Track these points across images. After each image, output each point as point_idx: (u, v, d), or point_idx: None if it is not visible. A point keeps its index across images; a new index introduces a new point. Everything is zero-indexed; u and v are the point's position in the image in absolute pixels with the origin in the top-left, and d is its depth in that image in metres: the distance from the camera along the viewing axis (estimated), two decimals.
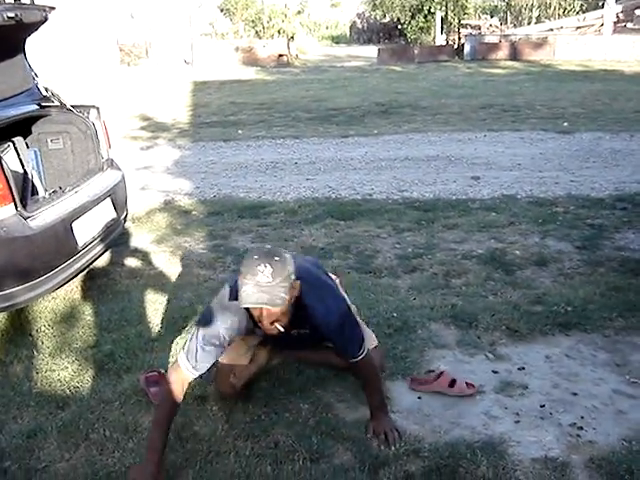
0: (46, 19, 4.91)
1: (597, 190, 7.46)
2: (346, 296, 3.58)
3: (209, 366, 3.15)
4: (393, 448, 3.13)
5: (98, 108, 5.37)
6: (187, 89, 18.38)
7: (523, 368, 3.83)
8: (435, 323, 4.37)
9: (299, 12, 31.62)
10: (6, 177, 4.03)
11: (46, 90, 5.28)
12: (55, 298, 4.91)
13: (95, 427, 3.43)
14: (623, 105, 13.62)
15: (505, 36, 27.14)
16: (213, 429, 3.34)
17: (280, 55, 26.32)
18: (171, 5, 27.19)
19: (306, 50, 30.54)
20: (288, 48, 26.95)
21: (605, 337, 4.15)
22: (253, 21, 30.72)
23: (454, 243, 5.87)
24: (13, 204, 4.06)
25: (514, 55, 24.49)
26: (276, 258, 2.85)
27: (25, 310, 4.75)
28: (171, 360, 3.95)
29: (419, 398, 3.58)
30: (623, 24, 28.57)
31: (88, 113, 5.29)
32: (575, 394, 3.57)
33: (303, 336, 3.32)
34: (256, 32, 30.72)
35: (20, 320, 4.69)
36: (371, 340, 3.60)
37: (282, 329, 3.03)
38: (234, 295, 2.97)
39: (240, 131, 11.79)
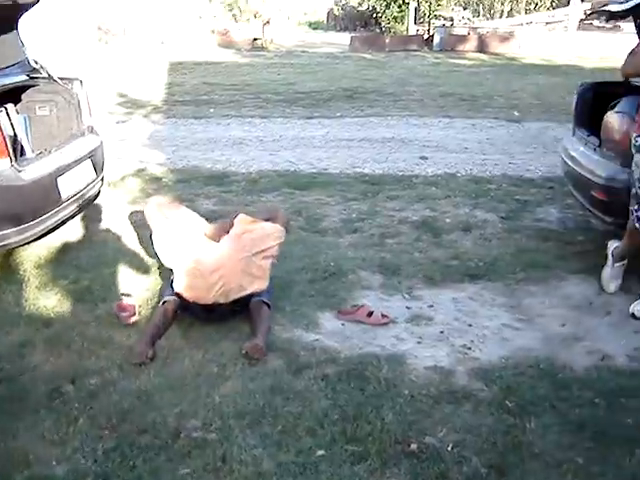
0: (38, 1, 5.60)
1: (531, 172, 8.27)
2: None
3: None
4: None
5: (81, 80, 6.07)
6: (162, 68, 18.96)
7: (432, 306, 4.66)
8: (364, 271, 5.18)
9: None
10: (3, 134, 4.75)
11: (35, 63, 5.97)
12: (39, 245, 5.60)
13: (75, 340, 4.18)
14: None
15: (474, 28, 27.90)
16: (172, 342, 4.12)
17: (255, 39, 26.88)
18: None
19: (281, 35, 31.08)
20: (263, 32, 27.50)
21: (506, 286, 4.97)
22: (230, 4, 31.17)
23: (393, 211, 6.66)
24: (9, 158, 4.77)
25: (481, 47, 25.22)
26: None
27: (12, 254, 5.46)
28: (141, 293, 4.74)
29: (342, 325, 4.39)
30: (590, 22, 29.46)
31: (72, 84, 6.00)
32: (470, 325, 4.40)
33: None
34: (233, 15, 31.18)
35: (8, 262, 5.40)
36: None
37: None
38: None
39: (212, 109, 12.48)
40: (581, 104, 6.17)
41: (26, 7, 5.60)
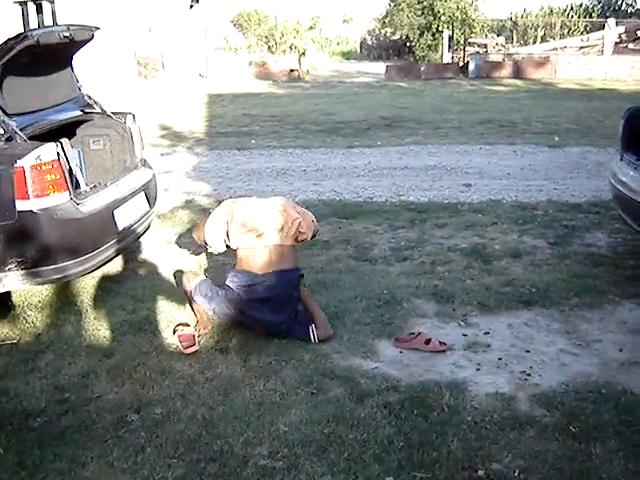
0: (92, 37, 5.75)
1: (576, 197, 8.27)
2: None
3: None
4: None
5: (134, 115, 6.20)
6: (202, 101, 19.25)
7: (488, 333, 4.67)
8: (418, 299, 5.21)
9: (311, 28, 32.44)
10: (62, 169, 4.87)
11: (89, 98, 6.11)
12: (94, 277, 5.71)
13: (137, 369, 4.26)
14: (614, 122, 14.08)
15: (509, 55, 27.96)
16: (232, 371, 4.18)
17: (292, 70, 27.19)
18: (187, 19, 28.13)
19: (317, 65, 31.38)
20: (299, 63, 27.81)
21: (561, 312, 4.98)
22: (266, 37, 31.63)
23: (442, 239, 6.68)
24: (68, 192, 4.89)
25: (517, 73, 25.27)
26: None
27: (69, 285, 5.57)
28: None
29: (400, 352, 4.42)
30: (625, 45, 29.40)
31: (125, 119, 6.13)
32: (528, 351, 4.40)
33: None
34: (269, 47, 31.62)
35: (65, 293, 5.51)
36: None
37: None
38: None
39: (253, 141, 12.63)
40: (628, 128, 6.15)
41: (81, 44, 5.74)
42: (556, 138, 12.32)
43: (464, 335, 4.64)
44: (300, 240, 4.82)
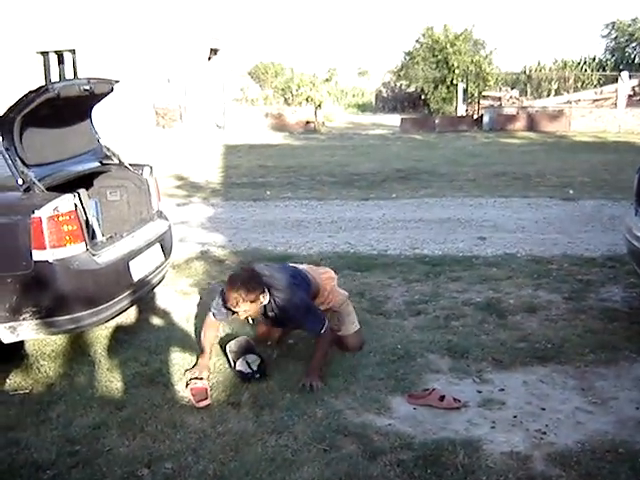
0: (112, 90, 5.84)
1: (591, 250, 8.23)
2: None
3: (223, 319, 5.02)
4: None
5: (151, 167, 6.26)
6: (219, 152, 19.44)
7: (503, 389, 4.62)
8: (432, 354, 5.17)
9: (327, 80, 32.66)
10: (79, 220, 4.92)
11: (107, 149, 6.18)
12: (107, 328, 5.72)
13: (149, 423, 4.24)
14: (629, 175, 14.19)
15: (523, 108, 28.16)
16: (244, 426, 4.15)
17: (307, 122, 27.48)
18: (205, 71, 28.52)
19: (332, 117, 31.72)
20: (315, 115, 28.09)
21: (576, 368, 4.92)
22: (282, 89, 31.91)
23: (456, 292, 6.66)
24: (84, 243, 4.93)
25: (531, 126, 25.44)
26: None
27: (83, 335, 5.57)
28: (211, 376, 4.78)
29: (414, 409, 4.37)
30: (638, 97, 29.55)
31: (142, 170, 6.19)
32: (543, 409, 4.35)
33: (277, 317, 4.87)
34: (285, 99, 31.91)
35: (79, 344, 5.51)
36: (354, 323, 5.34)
37: (252, 321, 4.97)
38: None
39: (268, 192, 12.71)
40: None
41: (101, 97, 5.82)
42: (570, 191, 12.33)
43: (479, 392, 4.59)
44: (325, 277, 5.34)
